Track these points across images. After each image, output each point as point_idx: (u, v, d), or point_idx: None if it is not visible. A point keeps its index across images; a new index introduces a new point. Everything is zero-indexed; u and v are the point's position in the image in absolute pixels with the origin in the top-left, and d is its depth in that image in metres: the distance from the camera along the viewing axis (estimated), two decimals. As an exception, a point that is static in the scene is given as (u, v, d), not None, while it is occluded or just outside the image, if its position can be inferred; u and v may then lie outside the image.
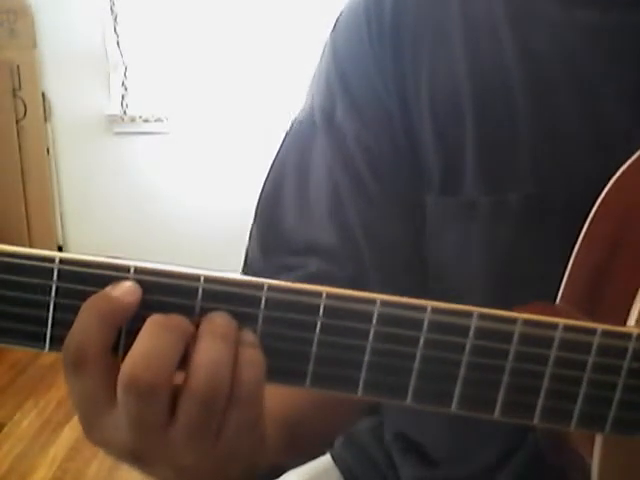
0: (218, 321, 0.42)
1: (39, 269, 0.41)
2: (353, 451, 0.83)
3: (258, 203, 0.70)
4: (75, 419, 2.50)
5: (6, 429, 2.44)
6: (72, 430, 2.43)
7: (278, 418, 0.54)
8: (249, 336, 0.42)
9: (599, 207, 0.51)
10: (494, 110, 0.60)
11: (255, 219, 0.71)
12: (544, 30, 0.60)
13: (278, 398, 0.51)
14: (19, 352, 2.90)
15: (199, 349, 0.41)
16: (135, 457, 0.44)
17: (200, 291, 0.41)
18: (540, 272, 0.52)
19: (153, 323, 0.41)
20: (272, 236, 0.69)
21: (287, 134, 0.71)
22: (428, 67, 0.62)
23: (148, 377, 0.40)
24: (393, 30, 0.63)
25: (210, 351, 0.41)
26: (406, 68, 0.63)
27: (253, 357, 0.42)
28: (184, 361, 0.41)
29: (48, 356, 2.90)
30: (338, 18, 0.69)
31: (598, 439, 0.47)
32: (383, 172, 0.64)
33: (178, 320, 0.41)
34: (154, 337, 0.41)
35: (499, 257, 0.61)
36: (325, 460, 0.86)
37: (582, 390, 0.44)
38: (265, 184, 0.70)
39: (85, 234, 3.37)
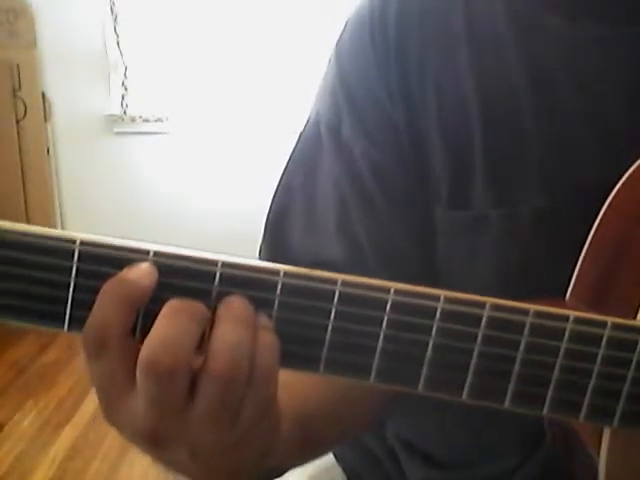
0: (237, 305, 0.42)
1: (60, 250, 0.42)
2: (356, 450, 0.83)
3: (266, 220, 0.71)
4: (75, 419, 2.50)
5: (6, 429, 2.44)
6: (72, 430, 2.44)
7: (288, 414, 0.54)
8: (265, 320, 0.43)
9: (609, 206, 0.51)
10: (502, 123, 0.60)
11: (264, 236, 0.71)
12: (549, 43, 0.60)
13: (287, 395, 0.52)
14: (19, 352, 2.90)
15: (219, 332, 0.42)
16: (152, 439, 0.44)
17: (218, 275, 0.42)
18: (551, 282, 0.52)
19: (171, 308, 0.41)
20: (280, 253, 0.69)
21: (294, 149, 0.71)
22: (434, 81, 0.62)
23: (167, 361, 0.40)
24: (397, 44, 0.63)
25: (230, 335, 0.41)
26: (412, 82, 0.63)
27: (270, 340, 0.43)
28: (200, 345, 0.42)
29: (48, 356, 2.90)
30: (343, 30, 0.69)
31: (606, 435, 0.47)
32: (390, 187, 0.64)
33: (195, 305, 0.42)
34: (172, 322, 0.41)
35: (510, 269, 0.61)
36: (328, 459, 0.86)
37: (591, 382, 0.44)
38: (273, 201, 0.71)
39: (85, 234, 3.37)
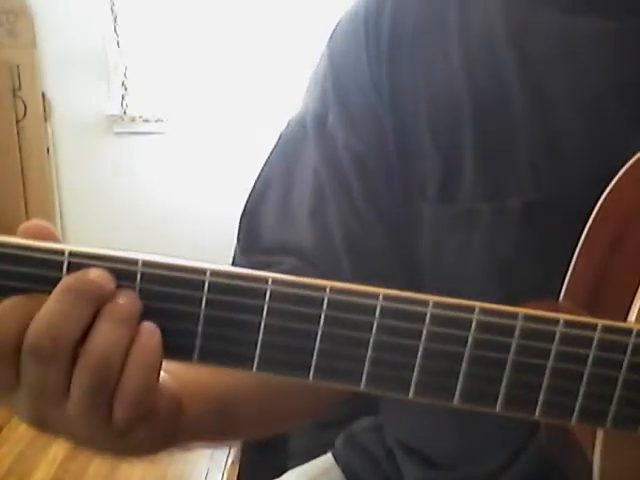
0: (121, 302, 0.42)
1: (49, 262, 0.42)
2: (354, 450, 0.83)
3: (244, 207, 0.71)
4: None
5: (6, 429, 2.44)
6: (72, 430, 2.43)
7: (211, 396, 0.56)
8: (148, 323, 0.43)
9: (601, 206, 0.51)
10: (493, 118, 0.60)
11: (239, 224, 0.71)
12: (544, 37, 0.60)
13: (217, 376, 0.54)
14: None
15: (98, 328, 0.42)
16: (37, 427, 0.45)
17: (206, 284, 0.42)
18: (542, 277, 0.52)
19: (60, 286, 0.41)
20: (252, 236, 0.69)
21: (279, 138, 0.71)
22: (426, 79, 0.62)
23: (48, 343, 0.41)
24: (391, 43, 0.64)
25: (107, 332, 0.42)
26: (403, 81, 0.63)
27: (148, 341, 0.43)
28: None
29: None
30: (336, 26, 0.69)
31: (599, 436, 0.47)
32: (370, 180, 0.65)
33: (89, 284, 0.42)
34: (59, 304, 0.41)
35: (500, 263, 0.61)
36: (326, 459, 0.86)
37: (583, 385, 0.44)
38: (253, 186, 0.71)
39: (85, 234, 3.37)
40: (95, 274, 0.42)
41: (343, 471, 0.83)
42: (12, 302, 0.42)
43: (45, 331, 0.41)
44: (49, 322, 0.41)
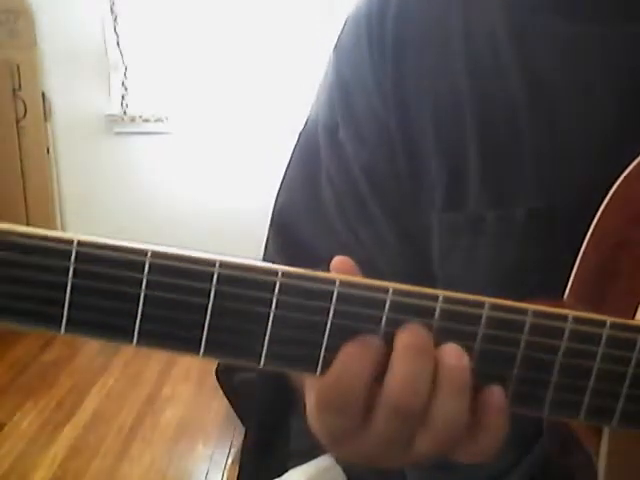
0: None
1: (57, 251, 0.41)
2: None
3: (271, 220, 0.71)
4: (75, 419, 2.51)
5: (6, 429, 2.45)
6: (72, 430, 2.44)
7: None
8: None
9: (606, 206, 0.51)
10: (497, 125, 0.60)
11: (273, 237, 0.71)
12: (546, 44, 0.59)
13: None
14: (19, 352, 2.90)
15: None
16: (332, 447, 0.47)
17: (215, 275, 0.42)
18: (548, 284, 0.52)
19: (407, 348, 0.43)
20: (295, 248, 0.69)
21: (294, 148, 0.71)
22: (430, 83, 0.62)
23: (413, 402, 0.43)
24: (395, 46, 0.63)
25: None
26: (407, 85, 0.63)
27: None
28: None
29: (48, 355, 2.90)
30: (342, 29, 0.69)
31: (605, 435, 0.47)
32: (381, 190, 0.64)
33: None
34: (409, 363, 0.43)
35: (506, 271, 0.61)
36: (327, 459, 0.86)
37: (591, 381, 0.44)
38: (276, 200, 0.71)
39: (84, 234, 3.35)
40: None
41: (343, 470, 0.83)
42: (356, 352, 0.43)
43: (410, 392, 0.42)
44: (410, 383, 0.42)
